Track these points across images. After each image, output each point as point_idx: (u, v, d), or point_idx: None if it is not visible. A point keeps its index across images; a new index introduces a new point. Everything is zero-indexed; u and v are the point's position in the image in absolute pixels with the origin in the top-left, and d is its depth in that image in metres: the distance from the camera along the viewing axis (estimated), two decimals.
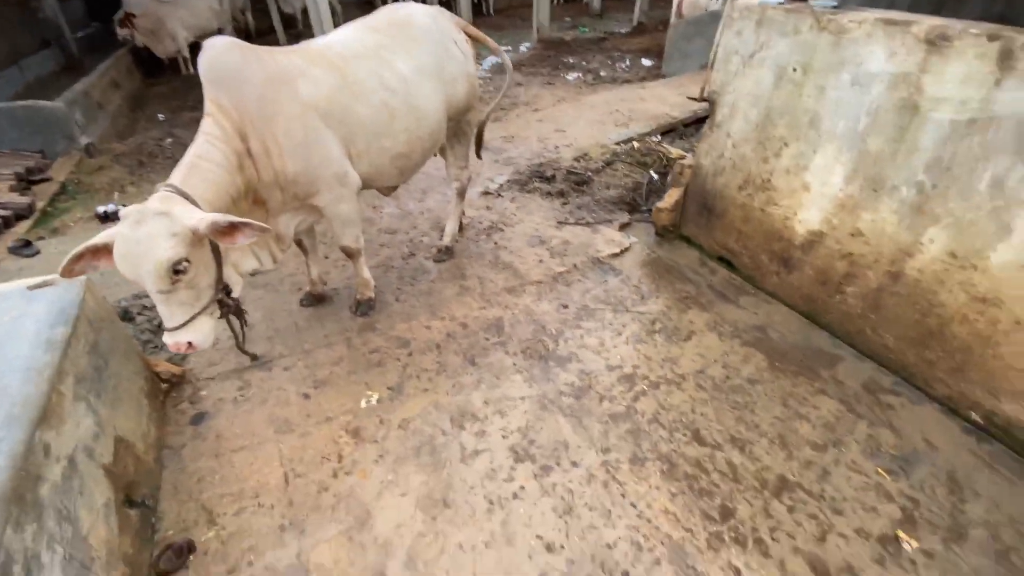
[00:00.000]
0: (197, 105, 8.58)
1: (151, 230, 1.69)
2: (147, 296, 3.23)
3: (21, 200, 4.96)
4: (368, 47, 2.53)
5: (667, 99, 6.54)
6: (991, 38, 1.88)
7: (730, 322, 2.90)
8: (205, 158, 2.00)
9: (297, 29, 13.00)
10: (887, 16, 2.17)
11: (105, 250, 1.75)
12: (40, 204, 5.08)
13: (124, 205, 4.57)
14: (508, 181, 4.60)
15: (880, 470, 2.10)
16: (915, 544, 1.85)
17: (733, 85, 2.88)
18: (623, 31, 11.63)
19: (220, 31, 10.55)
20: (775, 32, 2.59)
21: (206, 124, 2.08)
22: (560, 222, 3.92)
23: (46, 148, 6.25)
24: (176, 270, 1.75)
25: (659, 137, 5.40)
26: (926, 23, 2.06)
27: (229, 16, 10.76)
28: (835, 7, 2.41)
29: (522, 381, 2.57)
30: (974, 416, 2.24)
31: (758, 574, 1.78)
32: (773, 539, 1.88)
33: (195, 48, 10.42)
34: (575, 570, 1.79)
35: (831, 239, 2.62)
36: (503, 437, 2.28)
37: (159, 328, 2.98)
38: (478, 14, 14.52)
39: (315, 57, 2.38)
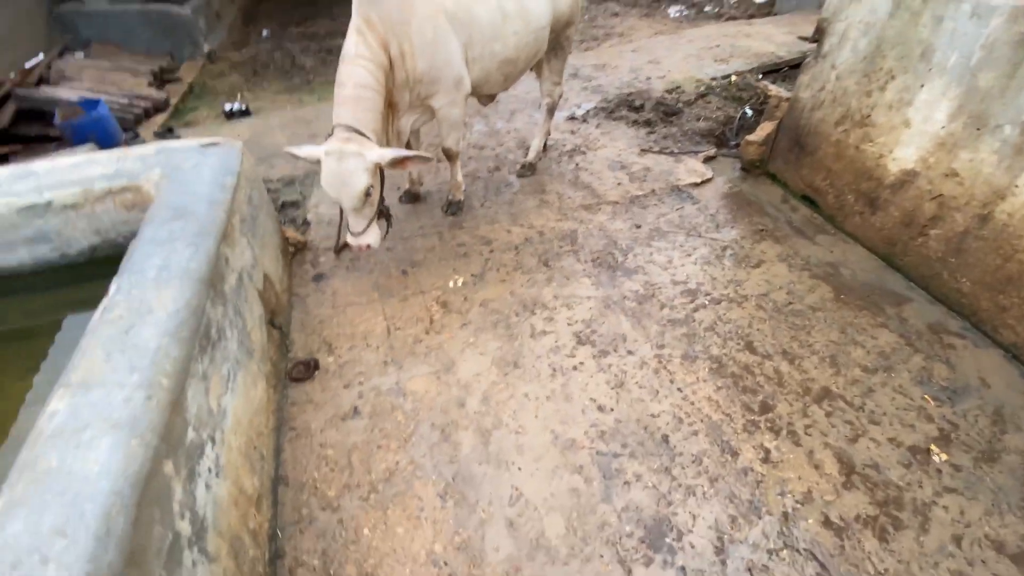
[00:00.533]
0: (303, 21, 9.05)
1: (350, 166, 2.21)
2: (274, 180, 3.74)
3: (158, 95, 5.64)
4: None
5: (774, 38, 6.15)
6: None
7: (803, 256, 2.97)
8: (364, 86, 2.32)
9: None
10: None
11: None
12: (173, 101, 5.75)
13: (246, 105, 5.14)
14: (595, 108, 4.66)
15: (927, 396, 2.21)
16: (945, 457, 1.99)
17: (847, 12, 2.79)
18: None
19: None
20: None
21: (356, 44, 2.32)
22: (643, 150, 4.00)
23: (174, 51, 6.91)
24: (366, 194, 2.28)
25: (760, 76, 5.17)
26: None
27: None
28: None
29: (590, 284, 2.83)
30: None
31: (786, 456, 2.00)
32: (806, 434, 2.08)
33: None
34: (621, 427, 2.10)
35: (923, 179, 2.59)
36: (568, 324, 2.58)
37: (283, 207, 3.48)
38: None
39: None
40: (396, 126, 2.68)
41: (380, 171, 2.37)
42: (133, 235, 2.25)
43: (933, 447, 2.02)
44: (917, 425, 2.10)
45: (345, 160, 2.20)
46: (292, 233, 3.00)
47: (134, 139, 4.36)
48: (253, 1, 10.35)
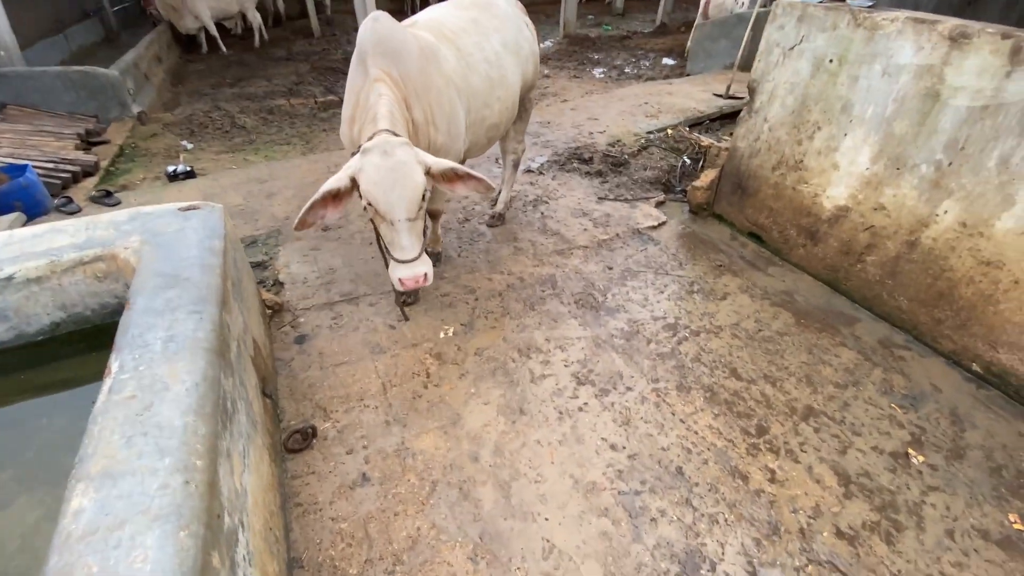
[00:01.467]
0: (236, 82, 8.92)
1: (404, 157, 1.86)
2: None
3: (87, 158, 5.29)
4: (467, 22, 2.81)
5: (693, 95, 6.87)
6: (1004, 36, 2.22)
7: (760, 287, 3.24)
8: (397, 115, 2.13)
9: (327, 14, 13.33)
10: (916, 15, 2.51)
11: (335, 197, 1.93)
12: (103, 163, 5.41)
13: (191, 167, 4.93)
14: (548, 161, 4.94)
15: (893, 405, 2.45)
16: (922, 459, 2.20)
17: (773, 74, 3.22)
18: (645, 31, 11.95)
19: (242, 15, 10.76)
20: (815, 27, 2.93)
21: (382, 88, 2.12)
22: (600, 198, 4.26)
23: (100, 113, 6.56)
24: (423, 197, 1.93)
25: (688, 128, 5.74)
26: (949, 22, 2.40)
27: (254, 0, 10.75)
28: (870, 6, 2.75)
29: (577, 325, 2.91)
30: (975, 367, 2.59)
31: (790, 475, 2.12)
32: (802, 451, 2.22)
33: (221, 28, 10.71)
34: (636, 464, 2.14)
35: (855, 213, 2.96)
36: (565, 366, 2.62)
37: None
38: None
39: (437, 34, 2.58)
40: None
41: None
42: (103, 308, 2.09)
43: (910, 450, 2.23)
44: (892, 432, 2.32)
45: (394, 153, 1.86)
46: (267, 295, 2.86)
47: (66, 205, 4.03)
48: (181, 62, 10.12)
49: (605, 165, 4.83)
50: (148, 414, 1.28)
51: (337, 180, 1.93)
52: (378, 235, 2.11)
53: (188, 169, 4.82)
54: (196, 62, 10.30)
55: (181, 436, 1.23)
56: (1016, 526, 1.96)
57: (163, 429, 1.24)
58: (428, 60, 2.37)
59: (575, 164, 4.88)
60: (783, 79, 3.17)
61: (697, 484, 2.07)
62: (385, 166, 1.87)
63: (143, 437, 1.22)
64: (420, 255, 2.02)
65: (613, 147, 5.25)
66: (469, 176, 2.04)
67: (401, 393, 2.43)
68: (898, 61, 2.58)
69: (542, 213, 4.05)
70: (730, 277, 3.34)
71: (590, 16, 14.02)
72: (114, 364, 1.44)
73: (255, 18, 10.84)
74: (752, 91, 3.40)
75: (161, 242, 2.01)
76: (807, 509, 1.99)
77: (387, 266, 2.12)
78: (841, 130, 2.92)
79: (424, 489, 2.02)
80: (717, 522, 1.94)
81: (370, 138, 2.01)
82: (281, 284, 3.15)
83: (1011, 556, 1.87)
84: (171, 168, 4.80)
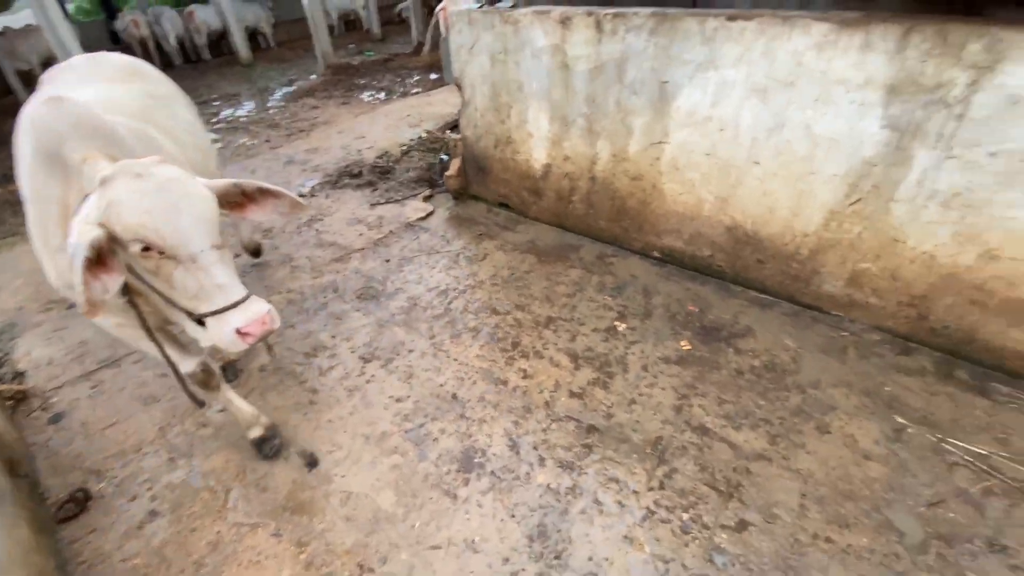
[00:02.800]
0: None
1: (170, 172, 1.38)
2: None
3: None
4: (142, 95, 2.26)
5: (450, 101, 7.60)
6: (589, 14, 3.08)
7: (511, 243, 3.88)
8: None
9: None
10: (538, 9, 3.30)
11: (99, 258, 1.36)
12: None
13: None
14: (319, 183, 5.12)
15: (606, 297, 3.20)
16: (624, 326, 2.94)
17: (467, 71, 3.87)
18: (406, 52, 12.65)
19: None
20: (482, 28, 3.62)
21: (100, 162, 1.47)
22: (373, 204, 4.59)
23: None
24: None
25: (448, 131, 6.38)
26: (558, 11, 3.21)
27: None
28: (511, 7, 3.50)
29: (361, 315, 3.19)
30: (655, 254, 3.50)
31: (537, 368, 2.68)
32: (544, 348, 2.81)
33: None
34: (420, 405, 2.50)
35: (555, 167, 3.74)
36: (351, 352, 2.88)
37: None
38: (256, 49, 14.34)
39: (128, 116, 1.95)
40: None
41: None
42: None
43: (616, 323, 2.96)
44: (605, 315, 3.04)
45: (152, 171, 1.36)
46: (4, 386, 2.59)
47: None
48: None
49: (374, 175, 5.18)
50: None
51: (83, 234, 1.31)
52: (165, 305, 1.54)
53: None
54: None
55: None
56: (686, 348, 2.77)
57: None
58: (144, 142, 1.85)
59: (346, 180, 5.14)
60: (476, 73, 3.83)
61: (468, 401, 2.51)
62: (150, 188, 1.35)
63: None
64: (249, 294, 1.48)
65: (381, 158, 5.62)
66: (263, 192, 1.54)
67: (183, 430, 2.45)
68: (537, 45, 3.35)
69: (317, 230, 4.23)
70: (488, 241, 3.92)
71: (351, 44, 14.33)
72: None
73: None
74: (460, 87, 4.03)
75: None
76: (550, 387, 2.56)
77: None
78: (524, 105, 3.66)
79: (219, 500, 2.12)
80: (485, 421, 2.39)
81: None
82: (22, 374, 2.85)
83: (684, 368, 2.64)
84: None
